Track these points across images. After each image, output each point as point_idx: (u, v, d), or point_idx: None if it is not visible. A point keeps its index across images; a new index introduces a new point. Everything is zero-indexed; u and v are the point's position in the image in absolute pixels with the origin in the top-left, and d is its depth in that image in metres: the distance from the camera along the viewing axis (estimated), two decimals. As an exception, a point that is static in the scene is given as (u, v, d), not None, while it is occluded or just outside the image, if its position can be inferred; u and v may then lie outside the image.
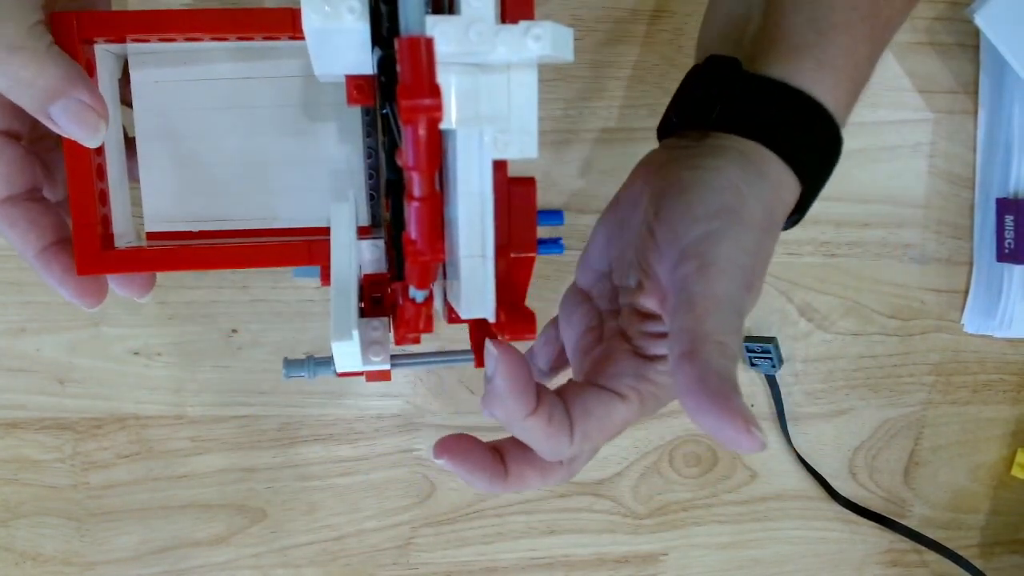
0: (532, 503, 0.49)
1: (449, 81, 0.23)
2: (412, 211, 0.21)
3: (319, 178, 0.33)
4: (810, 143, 0.30)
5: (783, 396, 0.49)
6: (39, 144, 0.31)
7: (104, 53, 0.30)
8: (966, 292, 0.51)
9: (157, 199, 0.33)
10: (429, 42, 0.19)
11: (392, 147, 0.29)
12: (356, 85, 0.28)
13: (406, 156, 0.20)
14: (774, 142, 0.28)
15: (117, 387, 0.43)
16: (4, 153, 0.28)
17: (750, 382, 0.50)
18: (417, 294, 0.24)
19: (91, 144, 0.28)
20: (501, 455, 0.27)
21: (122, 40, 0.30)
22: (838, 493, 0.51)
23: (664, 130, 0.32)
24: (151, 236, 0.33)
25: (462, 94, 0.24)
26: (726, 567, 0.52)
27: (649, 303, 0.28)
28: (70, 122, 0.27)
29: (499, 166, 0.25)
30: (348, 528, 0.47)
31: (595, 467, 0.49)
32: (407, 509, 0.47)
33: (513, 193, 0.27)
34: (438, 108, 0.19)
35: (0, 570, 0.44)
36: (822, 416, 0.51)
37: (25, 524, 0.44)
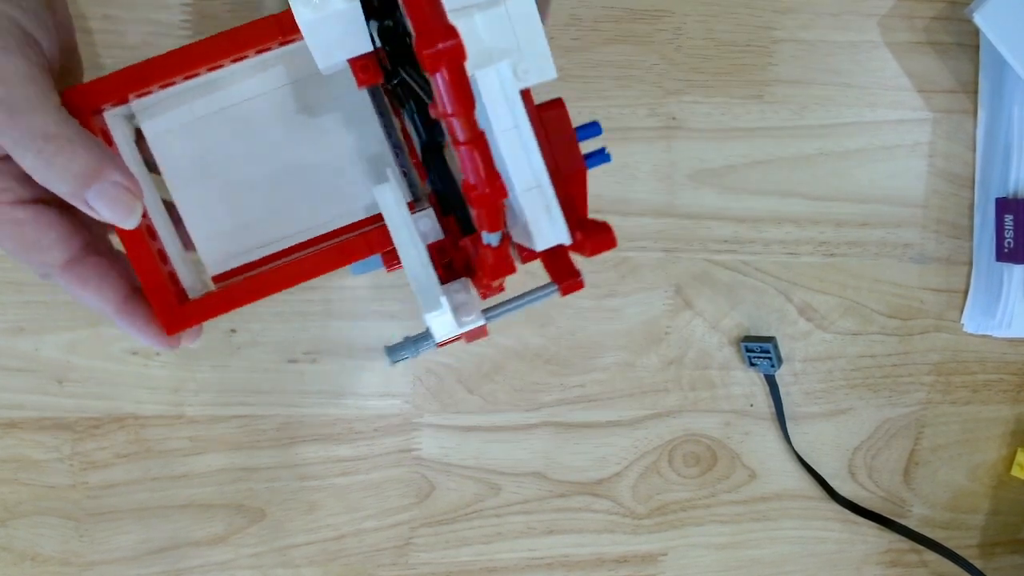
0: (532, 503, 0.49)
1: None
2: (463, 156, 0.21)
3: (349, 171, 0.33)
4: None
5: (782, 396, 0.49)
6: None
7: (115, 119, 0.30)
8: (966, 292, 0.51)
9: (209, 243, 0.33)
10: None
11: (421, 111, 0.29)
12: (360, 66, 0.28)
13: (440, 105, 0.20)
14: None
15: (116, 387, 0.43)
16: (44, 220, 0.28)
17: (749, 382, 0.50)
18: (491, 238, 0.24)
19: (129, 225, 0.27)
20: None
21: (126, 100, 0.29)
22: (837, 493, 0.51)
23: None
24: (217, 279, 0.33)
25: (468, 37, 0.23)
26: (725, 567, 0.52)
27: None
28: (106, 206, 0.26)
29: (525, 96, 0.24)
30: (347, 528, 0.47)
31: (594, 467, 0.49)
32: (406, 509, 0.47)
33: (545, 119, 0.27)
34: (459, 47, 0.19)
35: (-1, 570, 0.44)
36: (821, 416, 0.51)
37: (24, 524, 0.44)
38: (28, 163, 0.25)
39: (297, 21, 0.25)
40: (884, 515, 0.52)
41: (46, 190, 0.27)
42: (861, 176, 0.48)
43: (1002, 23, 0.44)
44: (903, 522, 0.52)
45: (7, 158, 0.27)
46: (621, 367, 0.48)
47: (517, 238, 0.28)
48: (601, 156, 0.31)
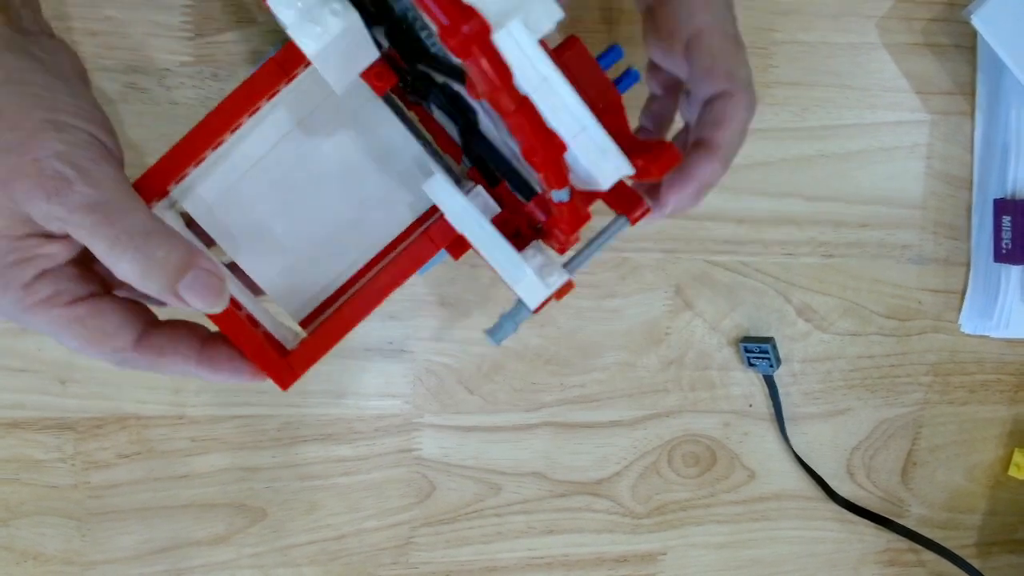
0: (531, 503, 0.49)
1: None
2: (515, 127, 0.20)
3: (386, 181, 0.33)
4: None
5: (781, 396, 0.50)
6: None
7: (161, 210, 0.30)
8: (963, 293, 0.51)
9: (284, 294, 0.33)
10: None
11: (449, 97, 0.28)
12: (375, 75, 0.29)
13: (480, 85, 0.20)
14: None
15: (118, 387, 0.44)
16: (103, 309, 0.28)
17: (749, 382, 0.50)
18: (561, 194, 0.24)
19: (219, 309, 0.28)
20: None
21: (167, 193, 0.30)
22: (836, 493, 0.51)
23: None
24: (304, 323, 0.34)
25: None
26: (724, 566, 0.52)
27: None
28: (197, 296, 0.27)
29: (542, 46, 0.24)
30: (348, 528, 0.47)
31: (594, 467, 0.49)
32: (407, 509, 0.48)
33: (567, 61, 0.26)
34: (483, 25, 0.18)
35: (1, 569, 0.44)
36: (820, 416, 0.51)
37: (26, 524, 0.44)
38: (126, 262, 0.26)
39: (307, 55, 0.25)
40: (882, 515, 0.52)
41: (98, 284, 0.28)
42: (860, 177, 0.49)
43: (1000, 25, 0.44)
44: (901, 522, 0.52)
45: (64, 265, 0.27)
46: (621, 367, 0.48)
47: (577, 185, 0.28)
48: (630, 77, 0.30)
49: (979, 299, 0.50)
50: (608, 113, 0.27)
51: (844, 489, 0.52)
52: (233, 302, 0.30)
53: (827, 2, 0.46)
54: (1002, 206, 0.48)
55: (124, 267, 0.26)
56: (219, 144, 0.29)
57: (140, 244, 0.26)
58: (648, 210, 0.29)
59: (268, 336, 0.31)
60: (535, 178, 0.24)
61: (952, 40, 0.48)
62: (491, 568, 0.49)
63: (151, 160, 0.41)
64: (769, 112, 0.47)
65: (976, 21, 0.44)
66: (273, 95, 0.29)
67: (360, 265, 0.34)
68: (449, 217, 0.29)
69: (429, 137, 0.33)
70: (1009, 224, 0.48)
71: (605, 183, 0.25)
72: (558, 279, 0.28)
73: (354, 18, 0.25)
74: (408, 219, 0.34)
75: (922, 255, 0.50)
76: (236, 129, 0.29)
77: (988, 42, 0.45)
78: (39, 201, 0.25)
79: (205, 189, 0.32)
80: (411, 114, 0.33)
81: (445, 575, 0.49)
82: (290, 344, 0.32)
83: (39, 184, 0.25)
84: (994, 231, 0.49)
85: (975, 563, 0.51)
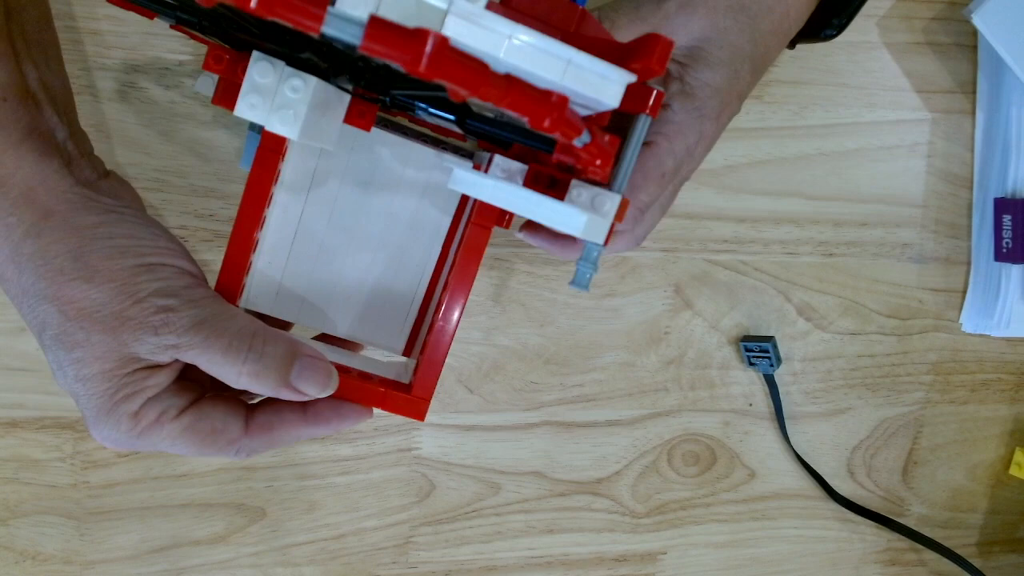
0: (531, 502, 0.49)
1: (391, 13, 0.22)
2: (510, 107, 0.20)
3: (412, 194, 0.34)
4: None
5: (781, 395, 0.50)
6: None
7: None
8: (964, 292, 0.51)
9: (379, 337, 0.35)
10: (376, 19, 0.18)
11: (436, 103, 0.29)
12: (356, 114, 0.30)
13: (463, 93, 0.19)
14: None
15: (117, 386, 0.44)
16: (206, 411, 0.29)
17: (749, 381, 0.50)
18: (582, 139, 0.24)
19: (332, 391, 0.30)
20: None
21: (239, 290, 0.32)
22: (836, 492, 0.51)
23: None
24: (407, 351, 0.36)
25: (408, 14, 0.22)
26: (724, 566, 0.52)
27: None
28: (309, 382, 0.29)
29: (490, 8, 0.23)
30: (347, 527, 0.47)
31: (594, 466, 0.49)
32: (406, 508, 0.48)
33: (515, 4, 0.26)
34: (439, 39, 0.18)
35: (0, 569, 0.44)
36: (820, 415, 0.51)
37: (25, 523, 0.44)
38: (241, 364, 0.27)
39: (292, 139, 0.26)
40: (883, 514, 0.52)
41: (196, 391, 0.29)
42: (860, 176, 0.48)
43: (1000, 24, 0.44)
44: (902, 521, 0.52)
45: (164, 389, 0.28)
46: (621, 367, 0.48)
47: (590, 114, 0.27)
48: None
49: (980, 298, 0.50)
50: (580, 32, 0.27)
51: (845, 488, 0.52)
52: (340, 368, 0.31)
53: (827, 0, 0.46)
54: (1003, 205, 0.48)
55: (240, 369, 0.28)
56: (255, 244, 0.31)
57: (251, 343, 0.28)
58: (662, 94, 0.28)
59: (385, 381, 0.32)
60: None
61: (952, 39, 0.48)
62: (490, 568, 0.49)
63: (151, 159, 0.41)
64: (768, 111, 0.47)
65: (976, 20, 0.44)
66: (276, 177, 0.30)
67: (428, 279, 0.35)
68: (483, 198, 0.29)
69: (429, 132, 0.33)
70: (1010, 223, 0.48)
71: (613, 101, 0.24)
72: (611, 203, 0.28)
73: (314, 83, 0.26)
74: (446, 219, 0.34)
75: (922, 254, 0.50)
76: (262, 225, 0.31)
77: (988, 41, 0.45)
78: (148, 337, 0.27)
79: (264, 281, 0.33)
80: (403, 120, 0.33)
81: (444, 574, 0.49)
82: (405, 376, 0.33)
83: (145, 322, 0.27)
84: (995, 230, 0.49)
85: (976, 562, 0.51)
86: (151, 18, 0.30)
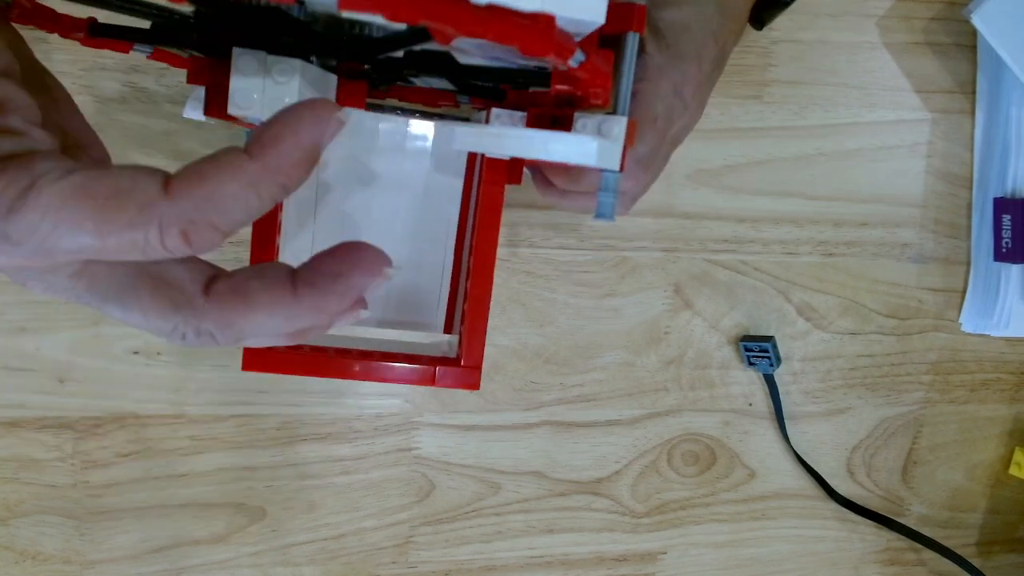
0: (531, 502, 0.49)
1: None
2: (497, 38, 0.19)
3: (420, 165, 0.34)
4: None
5: (781, 395, 0.50)
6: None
7: None
8: (964, 291, 0.51)
9: (417, 318, 0.35)
10: None
11: (422, 63, 0.29)
12: (345, 94, 0.29)
13: (443, 33, 0.19)
14: None
15: (117, 386, 0.44)
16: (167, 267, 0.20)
17: (748, 381, 0.50)
18: (577, 58, 0.23)
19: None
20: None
21: None
22: (836, 492, 0.51)
23: None
24: (447, 328, 0.36)
25: None
26: (724, 565, 0.52)
27: None
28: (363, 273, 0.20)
29: None
30: (347, 527, 0.47)
31: (594, 466, 0.49)
32: (406, 508, 0.48)
33: None
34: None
35: (0, 569, 0.44)
36: (820, 415, 0.51)
37: (25, 523, 0.44)
38: None
39: None
40: (882, 514, 0.52)
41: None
42: (860, 176, 0.48)
43: (1000, 24, 0.44)
44: (901, 521, 0.52)
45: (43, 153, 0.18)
46: (621, 367, 0.48)
47: (580, 35, 0.27)
48: None
49: (979, 298, 0.50)
50: None
51: (844, 488, 0.52)
52: (385, 356, 0.31)
53: (826, 1, 0.46)
54: (1002, 205, 0.48)
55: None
56: (277, 250, 0.31)
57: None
58: (643, 9, 0.29)
59: (433, 359, 0.32)
60: (544, 62, 0.24)
61: (952, 39, 0.48)
62: (490, 567, 0.49)
63: (151, 159, 0.41)
64: (768, 111, 0.47)
65: (976, 20, 0.44)
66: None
67: (452, 249, 0.35)
68: (490, 153, 0.29)
69: (422, 107, 0.34)
70: (1009, 223, 0.48)
71: (599, 17, 0.23)
72: (619, 127, 0.28)
73: (299, 64, 0.25)
74: (458, 182, 0.34)
75: (922, 254, 0.50)
76: (280, 229, 0.31)
77: (988, 41, 0.45)
78: None
79: None
80: (393, 101, 0.33)
81: (444, 574, 0.49)
82: (450, 351, 0.33)
83: None
84: (994, 230, 0.49)
85: (976, 562, 0.51)
86: (126, 51, 0.29)
